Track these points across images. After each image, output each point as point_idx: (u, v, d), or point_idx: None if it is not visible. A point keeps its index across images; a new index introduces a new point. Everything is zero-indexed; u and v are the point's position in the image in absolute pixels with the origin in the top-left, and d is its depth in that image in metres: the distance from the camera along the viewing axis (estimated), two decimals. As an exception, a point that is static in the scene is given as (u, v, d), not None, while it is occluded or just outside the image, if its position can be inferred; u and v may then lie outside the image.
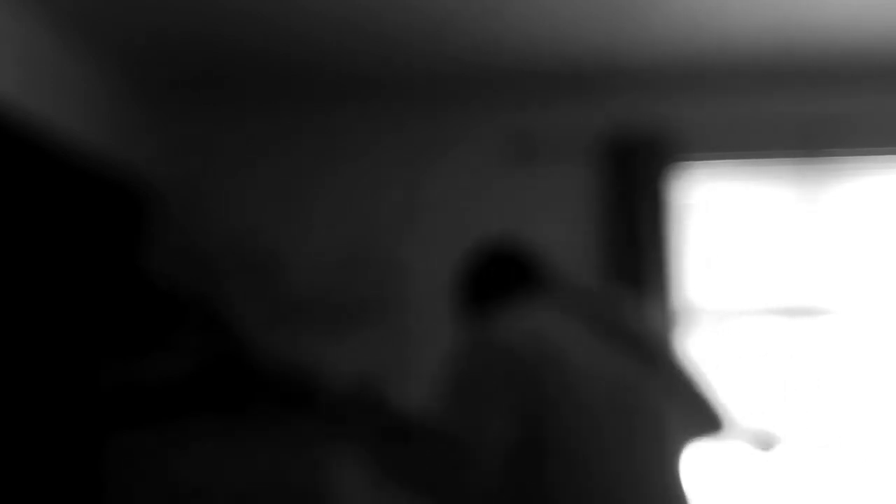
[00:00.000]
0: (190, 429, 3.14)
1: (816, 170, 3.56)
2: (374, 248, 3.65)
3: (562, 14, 2.93)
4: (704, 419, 2.10)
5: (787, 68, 3.40)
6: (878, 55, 3.28)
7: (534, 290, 2.08)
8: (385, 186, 3.69)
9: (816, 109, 3.55)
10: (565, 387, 1.74)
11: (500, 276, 2.10)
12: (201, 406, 3.20)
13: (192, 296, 3.54)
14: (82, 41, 3.12)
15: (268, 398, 3.33)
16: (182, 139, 3.78)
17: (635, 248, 3.44)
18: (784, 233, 3.56)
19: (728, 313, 3.55)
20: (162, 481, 3.09)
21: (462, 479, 1.70)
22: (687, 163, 3.54)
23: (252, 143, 3.76)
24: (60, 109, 3.07)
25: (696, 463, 3.04)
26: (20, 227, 2.87)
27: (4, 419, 2.77)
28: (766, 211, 3.58)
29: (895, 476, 3.39)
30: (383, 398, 1.96)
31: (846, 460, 3.42)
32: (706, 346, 3.51)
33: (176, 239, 3.70)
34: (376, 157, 3.72)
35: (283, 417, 3.12)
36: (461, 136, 3.69)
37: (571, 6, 2.88)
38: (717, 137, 3.57)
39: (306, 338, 3.60)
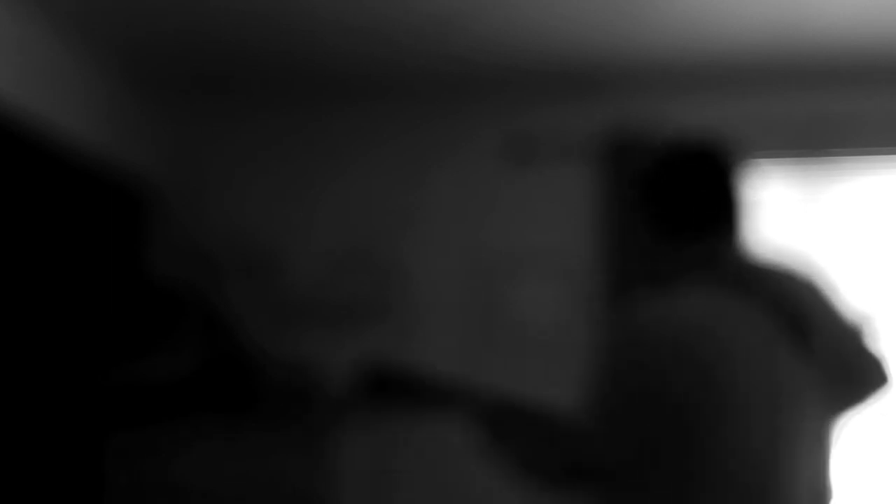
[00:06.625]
0: (190, 429, 3.14)
1: (816, 170, 3.56)
2: (375, 248, 3.65)
3: (562, 14, 2.93)
4: (854, 389, 1.91)
5: (788, 68, 3.40)
6: (878, 55, 3.28)
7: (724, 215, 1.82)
8: (385, 186, 3.70)
9: (816, 109, 3.55)
10: (705, 374, 1.67)
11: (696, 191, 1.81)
12: (202, 406, 3.20)
13: (193, 296, 3.54)
14: (82, 42, 3.13)
15: (268, 398, 3.33)
16: (182, 139, 3.78)
17: (635, 248, 3.44)
18: (784, 232, 3.56)
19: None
20: (162, 481, 3.10)
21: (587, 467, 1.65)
22: (687, 163, 3.54)
23: (253, 143, 3.77)
24: (60, 110, 3.07)
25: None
26: (20, 228, 2.87)
27: (6, 419, 2.77)
28: (766, 211, 3.58)
29: (894, 476, 3.39)
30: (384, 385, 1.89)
31: (846, 460, 3.42)
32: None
33: (176, 239, 3.71)
34: (376, 157, 3.72)
35: (284, 417, 3.12)
36: (462, 136, 3.70)
37: (572, 7, 2.88)
38: (717, 137, 3.57)
39: (306, 338, 3.61)
